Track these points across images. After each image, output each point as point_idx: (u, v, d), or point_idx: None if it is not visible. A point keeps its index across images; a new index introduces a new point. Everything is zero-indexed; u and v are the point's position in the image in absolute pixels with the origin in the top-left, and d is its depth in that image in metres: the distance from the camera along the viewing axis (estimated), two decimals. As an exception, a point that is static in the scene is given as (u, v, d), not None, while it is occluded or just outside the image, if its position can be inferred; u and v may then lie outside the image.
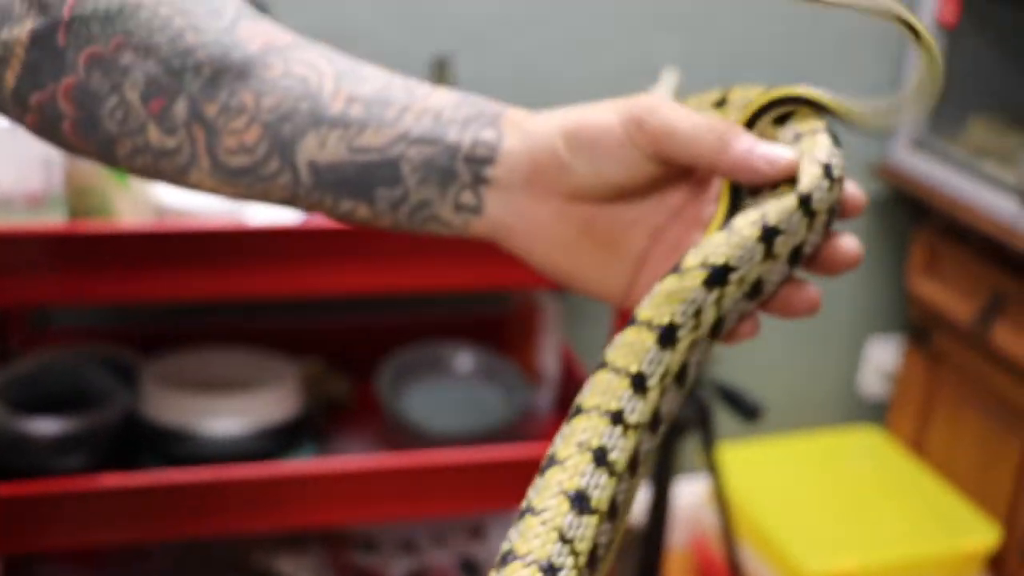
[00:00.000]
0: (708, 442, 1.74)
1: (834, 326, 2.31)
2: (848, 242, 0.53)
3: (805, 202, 0.50)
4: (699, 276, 0.49)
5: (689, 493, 2.25)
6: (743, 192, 0.54)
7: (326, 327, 1.90)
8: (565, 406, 1.82)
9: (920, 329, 2.21)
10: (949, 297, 2.10)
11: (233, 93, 0.57)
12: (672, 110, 0.52)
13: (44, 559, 1.70)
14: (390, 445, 1.72)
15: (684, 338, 0.49)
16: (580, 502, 0.44)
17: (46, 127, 0.60)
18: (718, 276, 0.49)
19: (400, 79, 0.59)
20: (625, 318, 1.58)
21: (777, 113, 0.55)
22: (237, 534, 1.66)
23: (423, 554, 1.84)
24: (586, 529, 0.44)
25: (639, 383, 0.48)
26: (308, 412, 1.64)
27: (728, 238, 0.50)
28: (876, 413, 2.42)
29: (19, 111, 0.61)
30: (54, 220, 1.35)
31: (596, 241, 0.56)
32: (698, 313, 0.49)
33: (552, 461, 0.46)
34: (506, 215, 0.56)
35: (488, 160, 0.55)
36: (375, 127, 0.56)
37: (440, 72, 1.67)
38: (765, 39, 2.03)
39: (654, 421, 0.48)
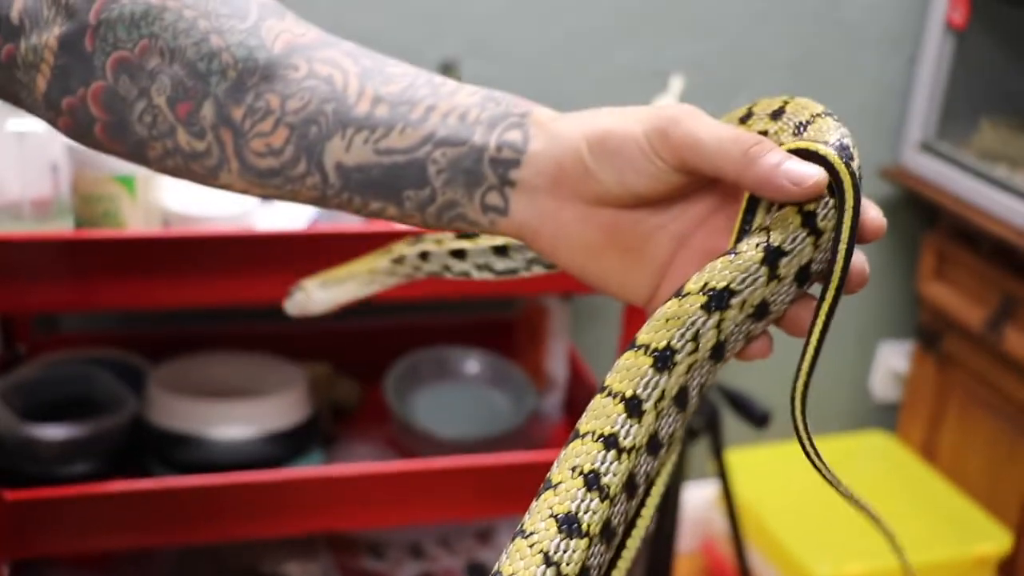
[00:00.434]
0: (717, 448, 1.73)
1: (844, 330, 2.30)
2: (857, 258, 0.52)
3: (809, 221, 0.50)
4: (698, 300, 0.49)
5: (698, 498, 2.24)
6: (761, 202, 0.54)
7: (334, 332, 1.90)
8: (573, 410, 1.81)
9: (930, 333, 2.20)
10: (959, 301, 2.09)
11: (259, 96, 0.57)
12: (696, 121, 0.51)
13: (51, 564, 1.70)
14: (398, 450, 1.71)
15: (682, 362, 0.49)
16: (569, 525, 0.45)
17: (79, 130, 0.61)
18: (718, 300, 0.49)
19: (425, 76, 0.58)
20: (633, 322, 1.58)
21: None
22: (245, 539, 1.66)
23: (431, 559, 1.84)
24: (574, 552, 0.45)
25: (634, 407, 0.48)
26: (316, 417, 1.64)
27: (731, 261, 0.50)
28: (886, 417, 2.41)
29: (52, 115, 0.61)
30: (61, 227, 1.36)
31: (620, 246, 0.55)
32: (696, 337, 0.49)
33: (547, 485, 0.47)
34: (531, 217, 0.56)
35: (514, 162, 0.55)
36: (400, 128, 0.56)
37: (447, 76, 1.66)
38: (775, 41, 2.02)
39: (652, 444, 0.49)
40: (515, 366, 1.83)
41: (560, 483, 0.47)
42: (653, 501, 0.53)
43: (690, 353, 0.49)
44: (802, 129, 0.53)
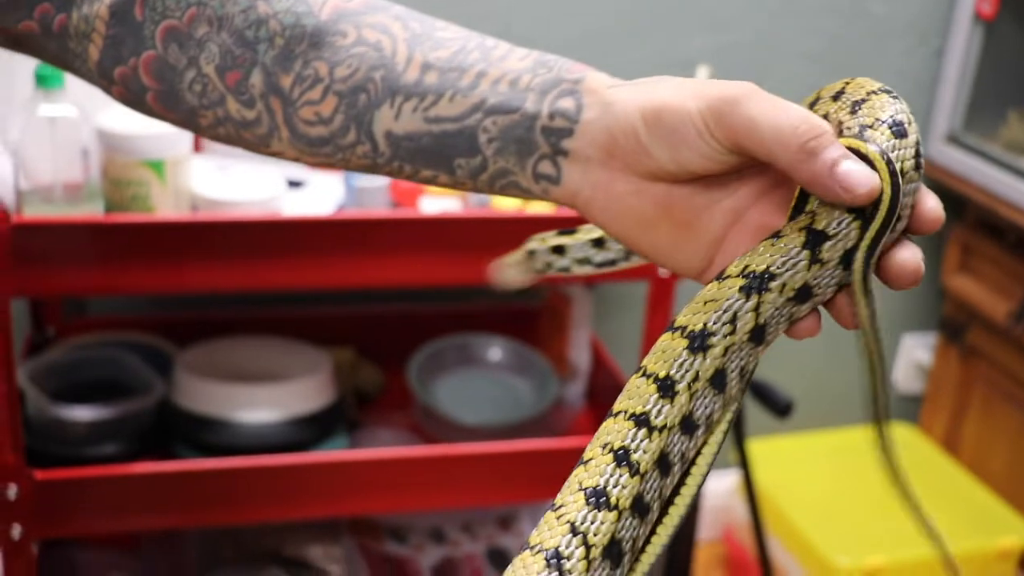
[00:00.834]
0: (739, 437, 1.74)
1: (867, 321, 2.29)
2: (907, 255, 0.50)
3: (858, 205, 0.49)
4: (736, 283, 0.49)
5: (719, 487, 2.24)
6: None
7: (359, 318, 1.91)
8: (595, 398, 1.82)
9: (954, 326, 2.19)
10: (984, 293, 2.08)
11: (307, 63, 0.57)
12: (755, 104, 0.49)
13: (78, 544, 1.72)
14: (420, 435, 1.72)
15: (717, 344, 0.49)
16: (597, 498, 0.46)
17: (132, 99, 0.61)
18: (757, 283, 0.49)
19: (475, 39, 0.57)
20: (657, 312, 1.58)
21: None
22: (269, 522, 1.68)
23: (452, 544, 1.85)
24: (601, 524, 0.46)
25: (667, 387, 0.49)
26: (340, 402, 1.65)
27: (772, 244, 0.50)
28: (909, 409, 2.41)
29: (105, 83, 0.62)
30: (92, 211, 1.37)
31: (673, 219, 0.54)
32: (734, 319, 0.49)
33: (580, 462, 0.48)
34: (584, 187, 0.54)
35: (567, 132, 0.54)
36: (450, 96, 0.55)
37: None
38: (800, 32, 2.02)
39: (686, 424, 0.49)
40: (538, 354, 1.84)
41: (591, 459, 0.48)
42: (695, 480, 0.53)
43: (727, 336, 0.49)
44: (858, 107, 0.52)
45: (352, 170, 0.60)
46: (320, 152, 0.58)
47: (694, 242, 0.54)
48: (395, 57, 0.56)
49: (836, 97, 0.54)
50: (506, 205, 1.55)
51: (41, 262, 1.30)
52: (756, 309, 0.50)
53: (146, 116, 0.62)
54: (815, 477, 2.21)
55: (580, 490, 0.47)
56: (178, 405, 1.56)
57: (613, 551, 0.46)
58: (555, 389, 1.75)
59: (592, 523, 0.46)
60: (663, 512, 0.50)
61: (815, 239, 0.49)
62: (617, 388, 0.55)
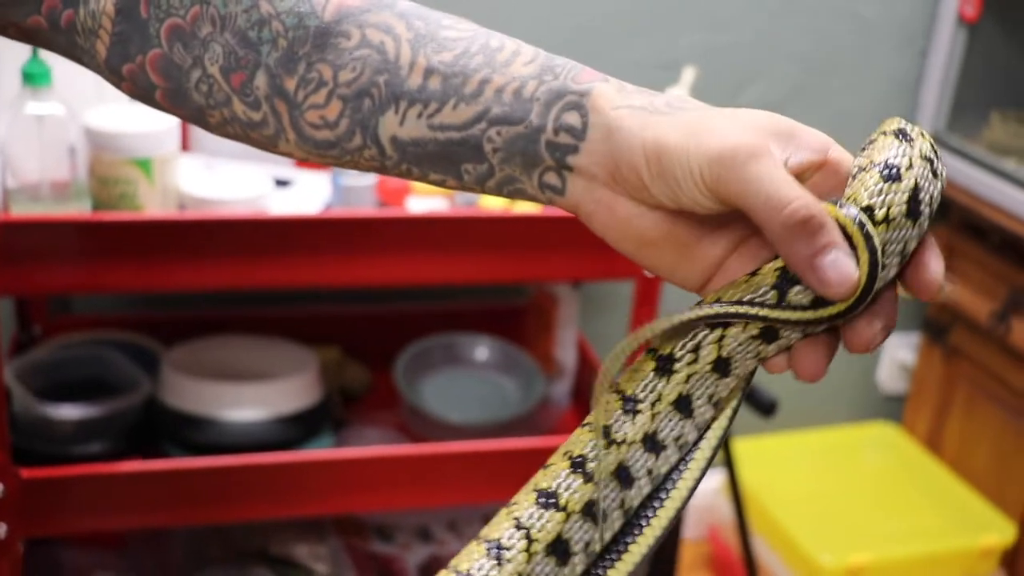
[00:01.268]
0: (724, 436, 1.74)
1: (851, 321, 2.31)
2: (866, 330, 0.50)
3: None
4: (688, 316, 0.50)
5: (705, 486, 2.25)
6: None
7: (345, 317, 1.91)
8: (581, 397, 1.83)
9: (938, 326, 2.21)
10: (967, 294, 2.09)
11: (310, 66, 0.56)
12: (755, 170, 0.48)
13: (63, 543, 1.72)
14: (407, 434, 1.73)
15: (681, 370, 0.51)
16: (547, 499, 0.49)
17: (142, 95, 0.61)
18: (719, 320, 0.50)
19: (480, 39, 0.56)
20: (642, 312, 1.59)
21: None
22: (256, 520, 1.68)
23: (439, 542, 1.86)
24: (547, 522, 0.49)
25: (630, 405, 0.51)
26: (326, 401, 1.66)
27: (745, 280, 0.50)
28: (893, 409, 2.42)
29: (115, 79, 0.61)
30: (79, 209, 1.37)
31: (674, 242, 0.53)
32: (697, 349, 0.50)
33: (543, 467, 0.51)
34: (587, 202, 0.54)
35: (572, 148, 0.53)
36: (453, 104, 0.54)
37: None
38: (788, 33, 2.03)
39: (649, 442, 0.51)
40: (524, 353, 1.84)
41: (551, 464, 0.51)
42: (680, 494, 0.53)
43: (690, 363, 0.51)
44: (865, 147, 0.51)
45: (363, 171, 0.60)
46: (328, 155, 0.58)
47: (694, 263, 0.54)
48: (399, 60, 0.55)
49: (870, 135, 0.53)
50: (493, 205, 1.55)
51: (28, 260, 1.30)
52: (719, 341, 0.50)
53: (161, 111, 0.62)
54: (800, 476, 2.23)
55: (534, 491, 0.50)
56: (165, 404, 1.56)
57: (559, 549, 0.49)
58: (541, 388, 1.76)
59: (538, 520, 0.49)
60: (646, 519, 0.51)
61: (786, 281, 0.49)
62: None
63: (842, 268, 0.47)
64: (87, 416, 1.50)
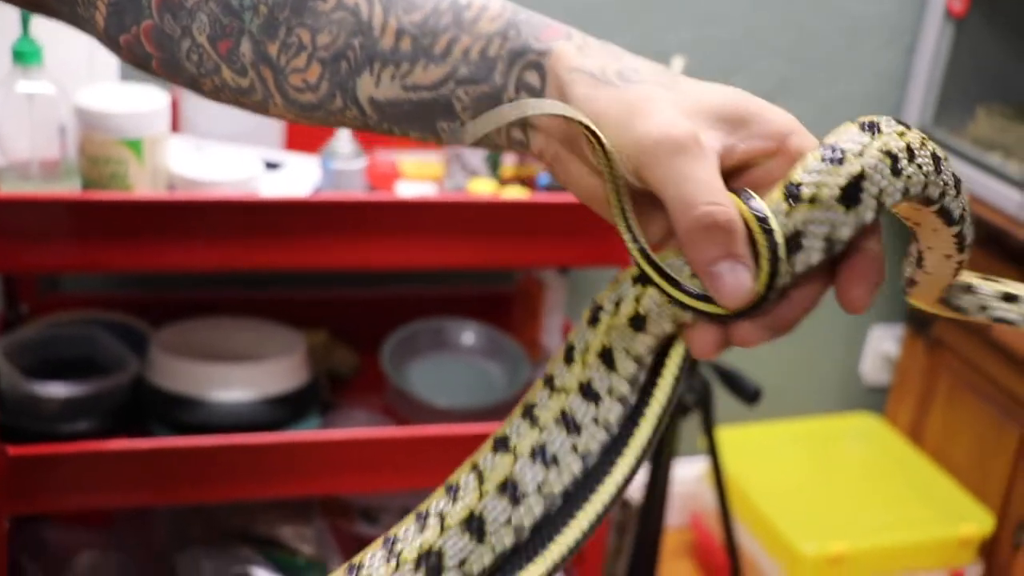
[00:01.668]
0: (708, 424, 1.76)
1: (836, 313, 2.30)
2: (746, 332, 0.49)
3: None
4: (633, 272, 0.51)
5: (688, 473, 2.27)
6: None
7: (333, 300, 1.92)
8: (567, 384, 1.84)
9: (921, 318, 2.23)
10: (951, 286, 2.11)
11: (290, 31, 0.58)
12: (675, 167, 0.48)
13: (50, 520, 1.73)
14: (393, 417, 1.74)
15: (603, 320, 0.52)
16: (500, 444, 0.52)
17: (140, 64, 0.62)
18: (644, 276, 0.50)
19: None
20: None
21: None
22: (242, 500, 1.69)
23: (423, 526, 1.86)
24: (497, 465, 0.51)
25: (569, 354, 0.53)
26: (314, 383, 1.66)
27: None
28: (876, 400, 2.44)
29: (114, 48, 0.63)
30: (69, 188, 1.37)
31: (633, 198, 0.53)
32: (619, 302, 0.51)
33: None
34: (547, 154, 0.56)
35: None
36: (424, 65, 0.56)
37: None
38: (774, 27, 2.04)
39: (585, 391, 0.52)
40: (510, 338, 1.85)
41: (512, 415, 0.54)
42: (614, 480, 0.53)
43: (611, 315, 0.51)
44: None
45: (351, 129, 0.61)
46: (314, 116, 0.60)
47: (651, 221, 0.54)
48: (371, 22, 0.57)
49: None
50: (482, 190, 1.56)
51: (17, 239, 1.31)
52: (638, 299, 0.50)
53: (162, 79, 0.64)
54: (782, 465, 2.24)
55: (493, 439, 0.53)
56: (152, 383, 1.57)
57: (511, 490, 0.51)
58: (527, 373, 1.77)
59: (489, 463, 0.52)
60: (578, 503, 0.51)
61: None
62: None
63: (737, 279, 0.47)
64: (74, 394, 1.50)
